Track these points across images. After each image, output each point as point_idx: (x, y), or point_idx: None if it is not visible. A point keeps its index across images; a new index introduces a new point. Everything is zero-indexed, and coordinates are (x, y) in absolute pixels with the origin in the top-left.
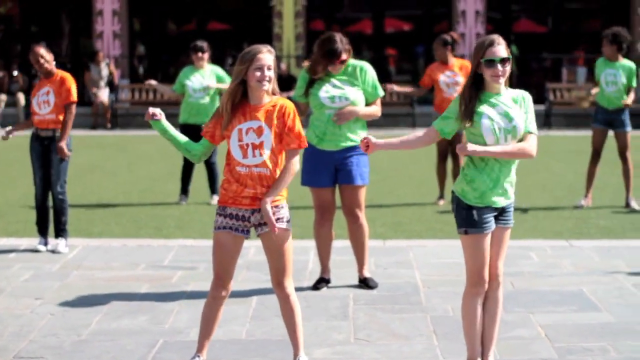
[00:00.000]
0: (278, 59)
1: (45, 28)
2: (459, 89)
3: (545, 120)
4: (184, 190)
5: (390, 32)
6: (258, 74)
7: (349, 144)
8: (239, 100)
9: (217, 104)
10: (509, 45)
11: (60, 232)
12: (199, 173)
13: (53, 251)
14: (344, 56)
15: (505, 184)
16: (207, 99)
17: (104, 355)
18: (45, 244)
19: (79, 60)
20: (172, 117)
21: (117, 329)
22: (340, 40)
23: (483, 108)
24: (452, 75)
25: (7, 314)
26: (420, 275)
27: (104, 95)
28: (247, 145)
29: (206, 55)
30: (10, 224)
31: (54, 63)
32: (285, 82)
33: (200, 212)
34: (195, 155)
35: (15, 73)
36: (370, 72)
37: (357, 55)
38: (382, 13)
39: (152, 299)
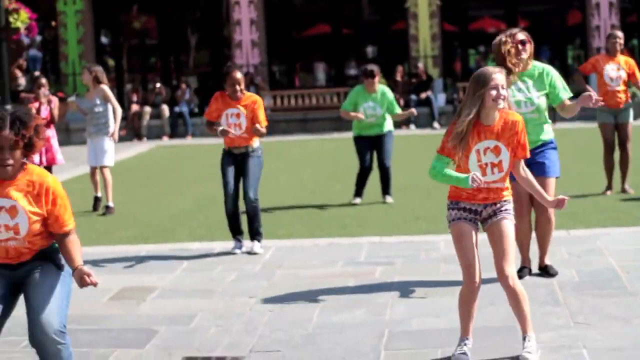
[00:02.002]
0: (415, 59)
1: (180, 40)
2: (622, 83)
3: None
4: (358, 193)
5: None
6: (494, 92)
7: (540, 142)
8: None
9: (388, 119)
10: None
11: (255, 235)
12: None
13: (249, 252)
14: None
15: None
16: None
17: (337, 347)
18: (240, 247)
19: (220, 69)
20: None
21: (339, 322)
22: (521, 31)
23: None
24: (617, 69)
25: (228, 312)
26: (615, 261)
27: None
28: (486, 164)
29: (377, 79)
30: (195, 230)
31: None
32: (424, 83)
33: (377, 210)
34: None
35: (158, 85)
36: (555, 76)
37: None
38: (514, 9)
39: (363, 292)
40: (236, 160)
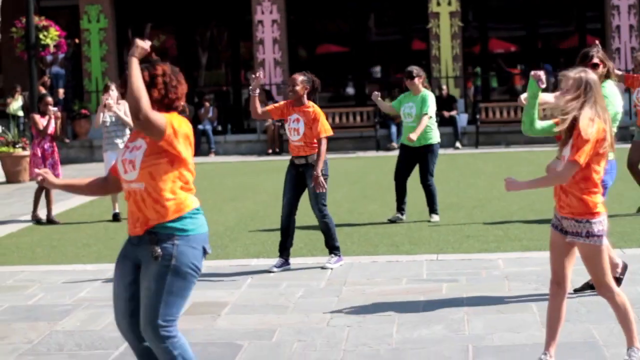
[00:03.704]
0: (437, 80)
1: (195, 59)
2: None
3: None
4: (398, 208)
5: (543, 48)
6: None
7: None
8: None
9: (435, 130)
10: None
11: (329, 250)
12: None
13: (323, 267)
14: (595, 60)
15: None
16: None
17: None
18: (279, 266)
19: (240, 86)
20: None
21: (419, 337)
22: (597, 50)
23: None
24: None
25: (307, 328)
26: None
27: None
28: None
29: (416, 80)
30: (249, 247)
31: (305, 93)
32: (446, 102)
33: (425, 229)
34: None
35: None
36: (609, 100)
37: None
38: (536, 29)
39: (435, 308)
40: (297, 172)
